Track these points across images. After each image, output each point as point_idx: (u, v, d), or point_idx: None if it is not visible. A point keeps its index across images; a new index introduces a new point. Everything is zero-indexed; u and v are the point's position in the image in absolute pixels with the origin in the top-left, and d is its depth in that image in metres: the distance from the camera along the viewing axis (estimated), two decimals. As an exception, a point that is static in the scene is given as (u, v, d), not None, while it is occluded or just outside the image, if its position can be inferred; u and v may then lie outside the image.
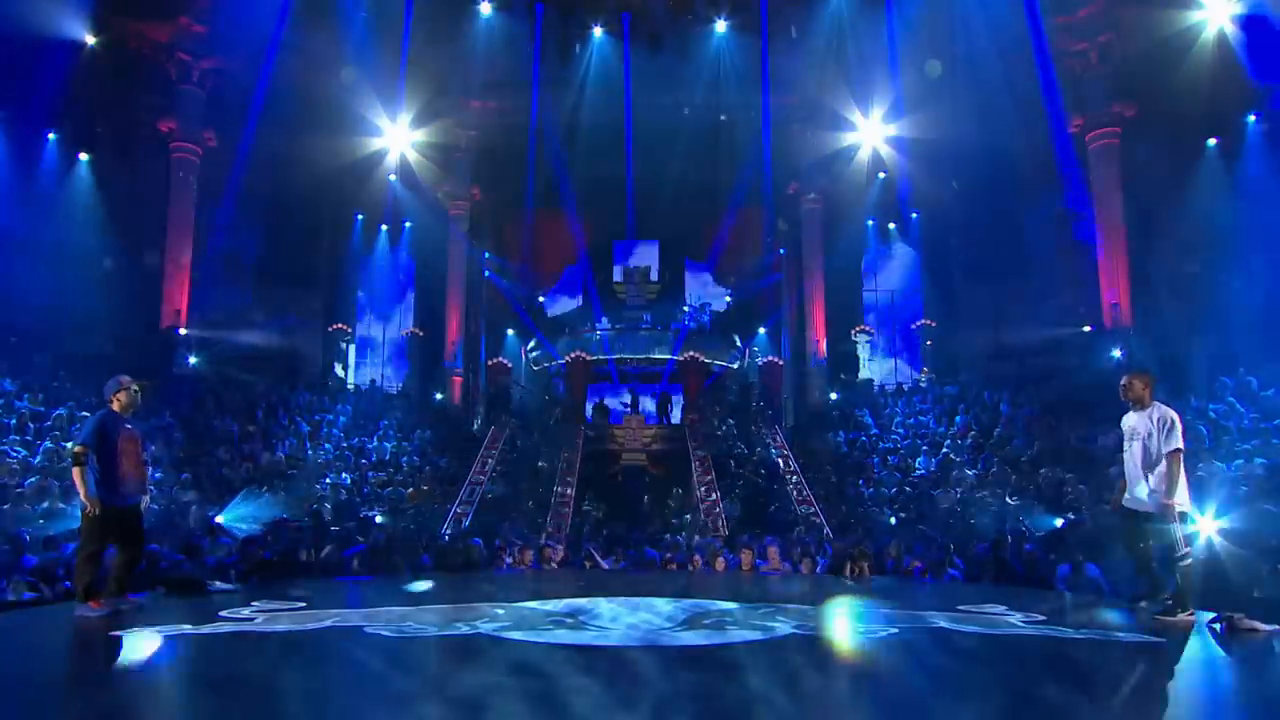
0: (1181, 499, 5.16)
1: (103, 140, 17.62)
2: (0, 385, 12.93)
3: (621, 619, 4.89)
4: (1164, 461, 5.16)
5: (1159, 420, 5.24)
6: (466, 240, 22.68)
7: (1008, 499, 12.71)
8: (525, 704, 3.09)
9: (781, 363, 22.55)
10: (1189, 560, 5.11)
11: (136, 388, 5.60)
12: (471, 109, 21.94)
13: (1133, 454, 5.35)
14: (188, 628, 4.65)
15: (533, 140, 21.08)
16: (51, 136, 16.68)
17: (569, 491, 15.27)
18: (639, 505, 15.20)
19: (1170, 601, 5.28)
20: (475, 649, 4.22)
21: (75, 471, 5.13)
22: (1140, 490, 5.28)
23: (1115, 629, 4.72)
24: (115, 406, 5.48)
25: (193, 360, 17.12)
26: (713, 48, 21.10)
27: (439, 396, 21.55)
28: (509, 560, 9.95)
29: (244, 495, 12.57)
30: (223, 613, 5.04)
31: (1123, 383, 5.55)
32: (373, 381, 21.94)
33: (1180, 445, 5.16)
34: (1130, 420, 5.46)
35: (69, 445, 11.68)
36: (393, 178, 21.43)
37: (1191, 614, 4.93)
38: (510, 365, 22.66)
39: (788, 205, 22.90)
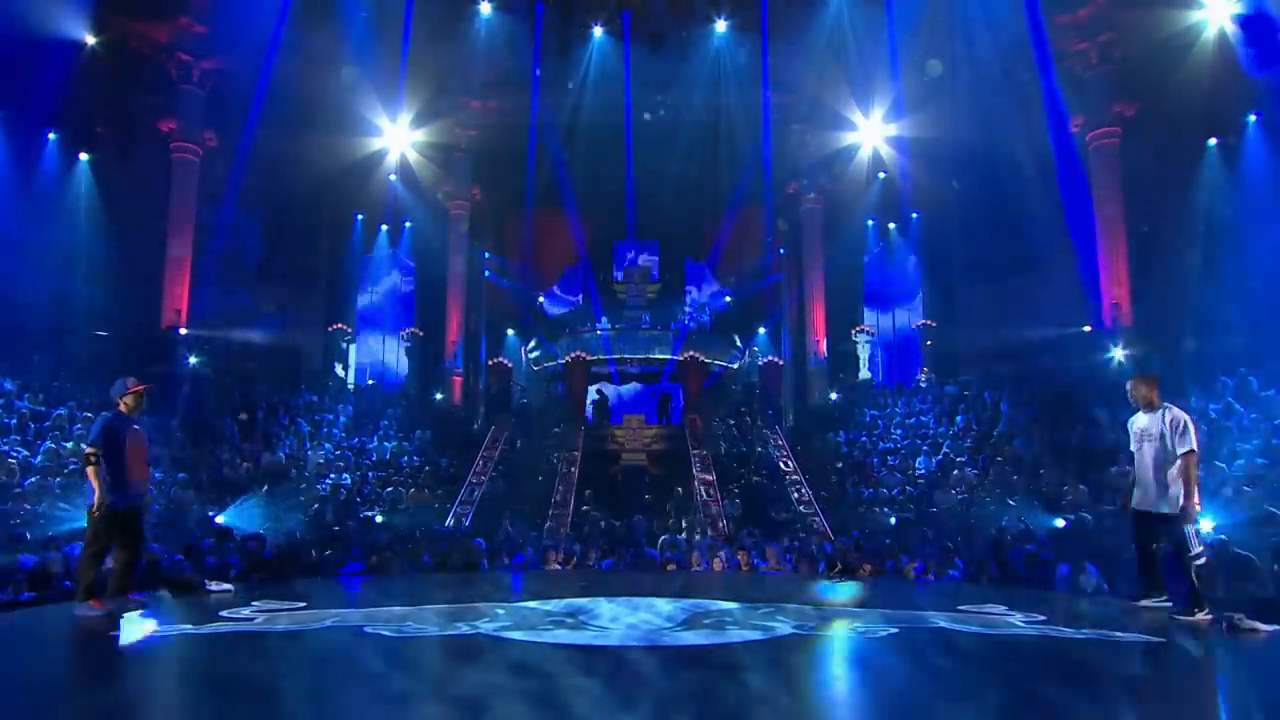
0: (1196, 499, 5.19)
1: (103, 140, 17.62)
2: (0, 385, 12.93)
3: (621, 619, 4.88)
4: (1180, 463, 5.16)
5: (1172, 422, 5.23)
6: (466, 240, 22.68)
7: (1008, 499, 12.72)
8: (525, 704, 3.09)
9: (781, 363, 22.55)
10: (1203, 560, 5.12)
11: (143, 389, 5.63)
12: (471, 109, 21.93)
13: (1144, 455, 5.35)
14: (188, 628, 4.65)
15: (533, 140, 21.06)
16: (51, 136, 16.68)
17: (569, 491, 15.27)
18: (639, 505, 15.19)
19: (1169, 601, 5.30)
20: (475, 649, 4.22)
21: (90, 472, 5.17)
22: (1152, 491, 5.28)
23: (1115, 629, 4.71)
24: (123, 408, 5.50)
25: (193, 360, 17.11)
26: (713, 48, 21.11)
27: (439, 396, 21.57)
28: (507, 560, 9.94)
29: (245, 496, 12.59)
30: (223, 613, 5.03)
31: (1129, 387, 5.57)
32: (372, 382, 21.93)
33: (1195, 447, 5.17)
34: (1141, 422, 5.46)
35: (69, 445, 11.80)
36: (393, 178, 21.43)
37: (1208, 614, 4.94)
38: (510, 365, 22.66)
39: (788, 205, 22.90)
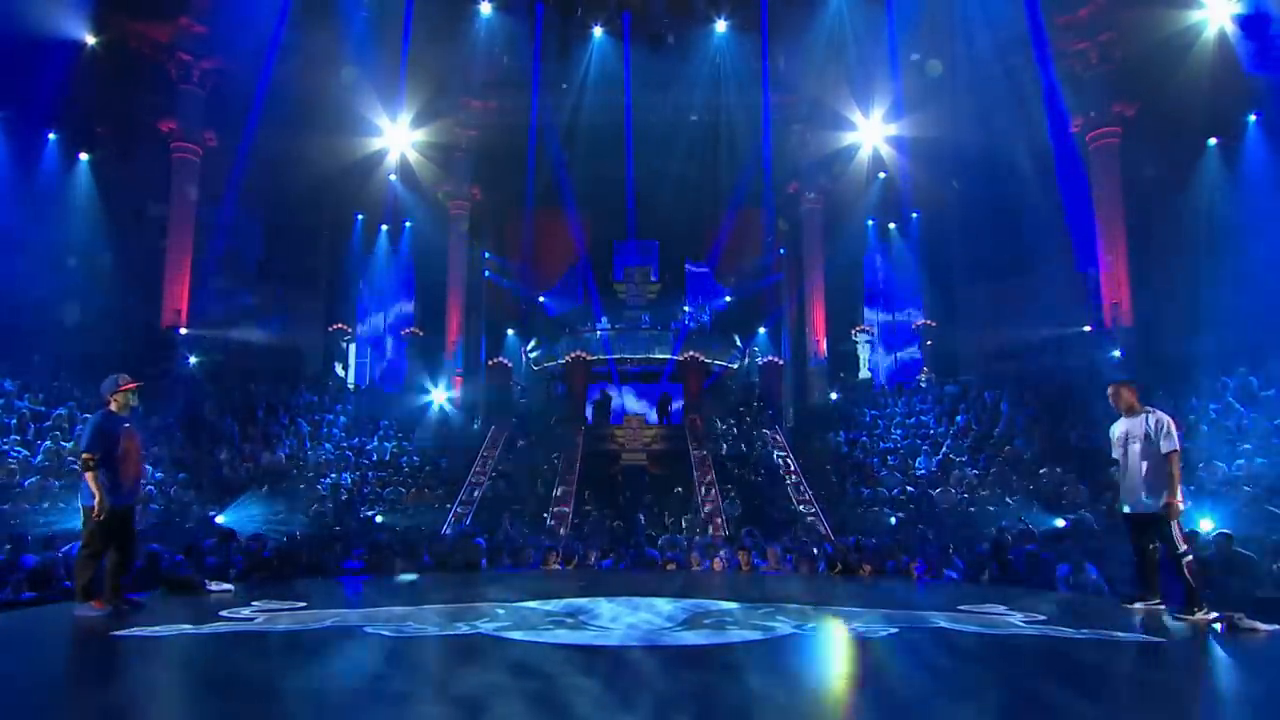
0: (1179, 496, 5.26)
1: (103, 140, 17.63)
2: (0, 385, 12.94)
3: (621, 619, 4.88)
4: (1165, 463, 5.26)
5: (1155, 424, 5.35)
6: (466, 240, 22.68)
7: (1008, 499, 12.72)
8: (525, 704, 3.09)
9: (781, 363, 22.56)
10: (1190, 557, 5.17)
11: (134, 387, 5.59)
12: (471, 109, 21.94)
13: (1131, 458, 5.42)
14: (188, 628, 4.65)
15: (533, 140, 21.07)
16: (51, 136, 16.68)
17: (569, 491, 15.27)
18: (639, 505, 15.19)
19: (1160, 602, 5.35)
20: (475, 649, 4.22)
21: (89, 476, 5.13)
22: (1140, 493, 5.34)
23: (1115, 629, 4.71)
24: (113, 407, 5.47)
25: (193, 360, 17.12)
26: (713, 48, 21.11)
27: (439, 396, 21.55)
28: (508, 560, 9.94)
29: (245, 496, 12.58)
30: (223, 613, 5.03)
31: (1110, 392, 5.67)
32: (372, 381, 21.91)
33: (1178, 446, 5.26)
34: (1122, 426, 5.57)
35: (69, 445, 11.80)
36: (393, 178, 21.44)
37: (1208, 612, 4.96)
38: (510, 365, 22.66)
39: (788, 205, 22.91)
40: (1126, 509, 5.51)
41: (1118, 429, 5.60)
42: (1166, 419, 5.37)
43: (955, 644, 4.35)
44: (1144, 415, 5.44)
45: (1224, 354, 13.53)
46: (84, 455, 5.19)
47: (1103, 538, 9.63)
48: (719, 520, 13.59)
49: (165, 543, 8.54)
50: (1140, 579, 5.61)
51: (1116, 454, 5.58)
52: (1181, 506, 5.25)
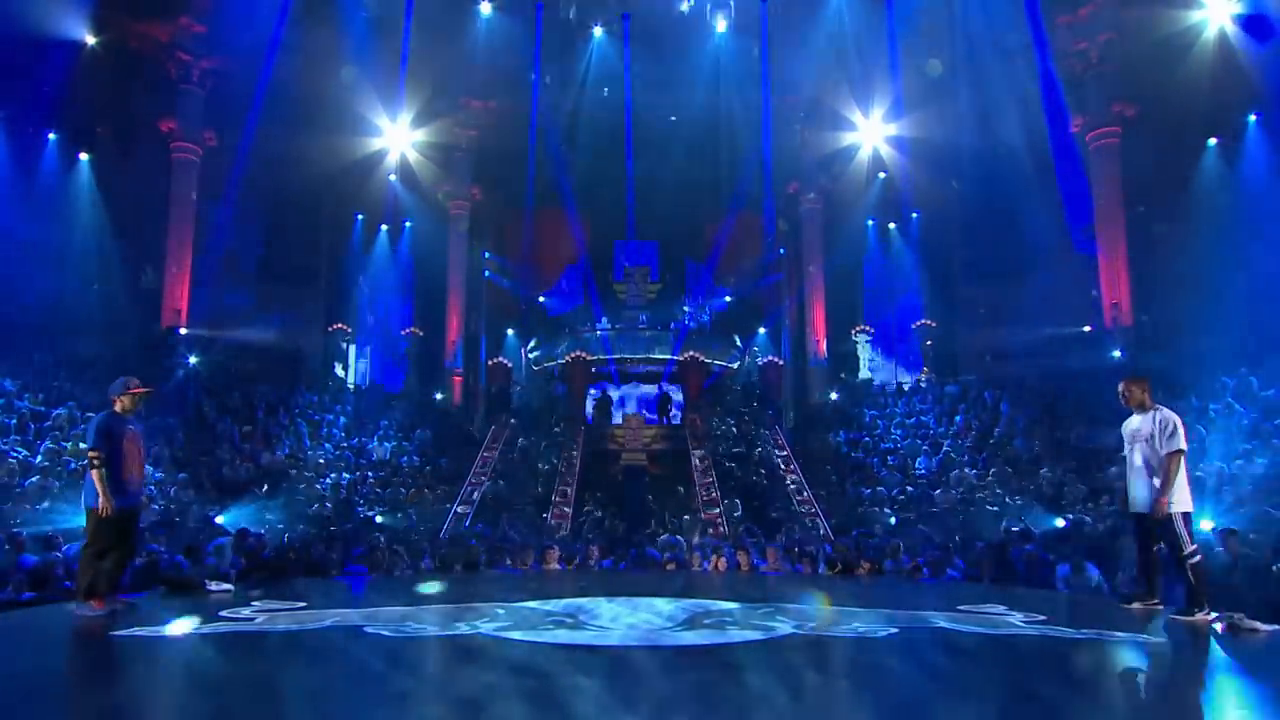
0: (1183, 499, 5.17)
1: (103, 140, 17.63)
2: (0, 385, 12.93)
3: (621, 619, 4.88)
4: (1165, 462, 5.17)
5: (1161, 422, 5.25)
6: (466, 240, 22.68)
7: (1008, 499, 12.72)
8: (525, 704, 3.09)
9: (781, 363, 22.55)
10: (1198, 558, 5.11)
11: (141, 391, 5.59)
12: (471, 109, 21.95)
13: (1135, 457, 5.37)
14: (188, 628, 4.65)
15: (533, 140, 21.08)
16: (51, 136, 16.68)
17: (569, 491, 15.27)
18: (639, 505, 15.18)
19: (1159, 603, 5.32)
20: (475, 649, 4.22)
21: (94, 474, 5.15)
22: (1144, 493, 5.29)
23: (1115, 629, 4.71)
24: (117, 408, 5.47)
25: (193, 360, 17.12)
26: (713, 48, 21.11)
27: (439, 396, 21.56)
28: (509, 561, 9.93)
29: (245, 496, 12.58)
30: (223, 613, 5.03)
31: (1121, 389, 5.57)
32: (372, 381, 21.92)
33: (1183, 446, 5.17)
34: (1133, 423, 5.47)
35: (69, 445, 11.80)
36: (393, 178, 21.44)
37: (1209, 614, 4.93)
38: (510, 365, 22.66)
39: (788, 205, 22.91)
40: (1131, 508, 5.46)
41: (1128, 426, 5.53)
42: (1172, 418, 5.26)
43: (955, 644, 4.35)
44: (1152, 413, 5.36)
45: (1224, 354, 13.53)
46: (90, 453, 5.22)
47: (1103, 538, 9.64)
48: (719, 520, 13.60)
49: (165, 543, 8.54)
50: (1142, 579, 5.59)
51: (1127, 451, 5.52)
52: (1183, 508, 5.15)
